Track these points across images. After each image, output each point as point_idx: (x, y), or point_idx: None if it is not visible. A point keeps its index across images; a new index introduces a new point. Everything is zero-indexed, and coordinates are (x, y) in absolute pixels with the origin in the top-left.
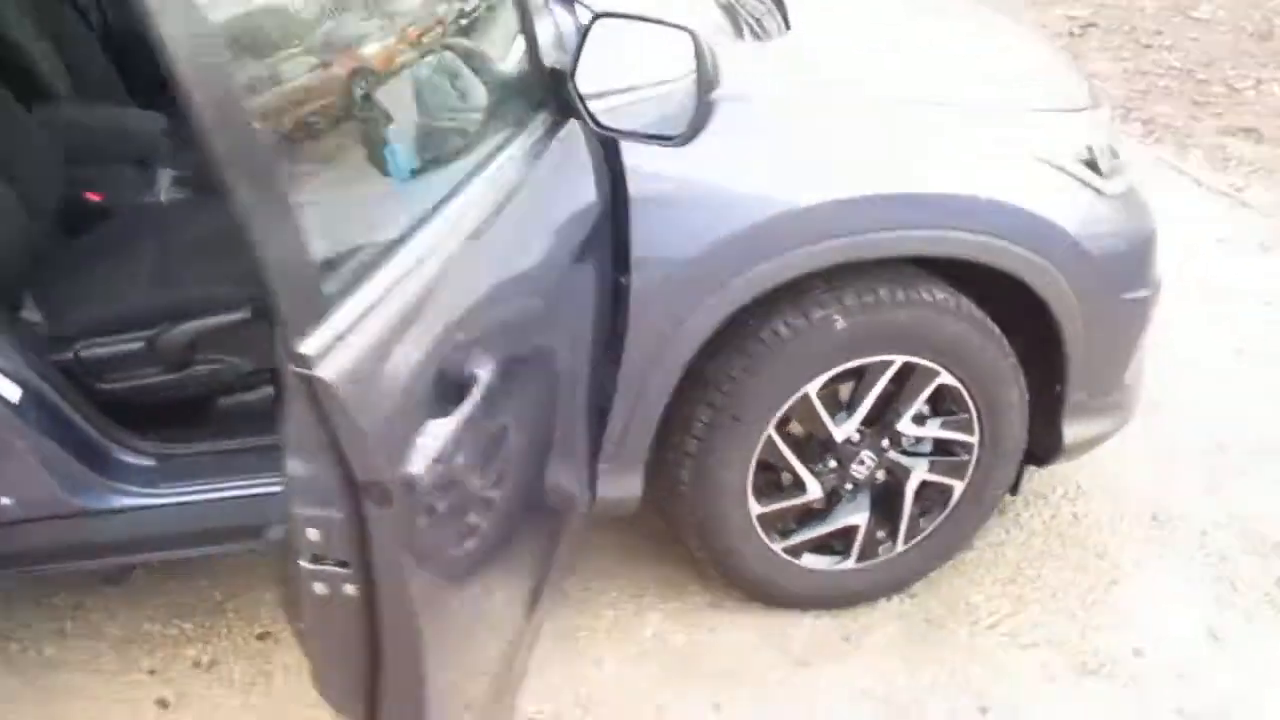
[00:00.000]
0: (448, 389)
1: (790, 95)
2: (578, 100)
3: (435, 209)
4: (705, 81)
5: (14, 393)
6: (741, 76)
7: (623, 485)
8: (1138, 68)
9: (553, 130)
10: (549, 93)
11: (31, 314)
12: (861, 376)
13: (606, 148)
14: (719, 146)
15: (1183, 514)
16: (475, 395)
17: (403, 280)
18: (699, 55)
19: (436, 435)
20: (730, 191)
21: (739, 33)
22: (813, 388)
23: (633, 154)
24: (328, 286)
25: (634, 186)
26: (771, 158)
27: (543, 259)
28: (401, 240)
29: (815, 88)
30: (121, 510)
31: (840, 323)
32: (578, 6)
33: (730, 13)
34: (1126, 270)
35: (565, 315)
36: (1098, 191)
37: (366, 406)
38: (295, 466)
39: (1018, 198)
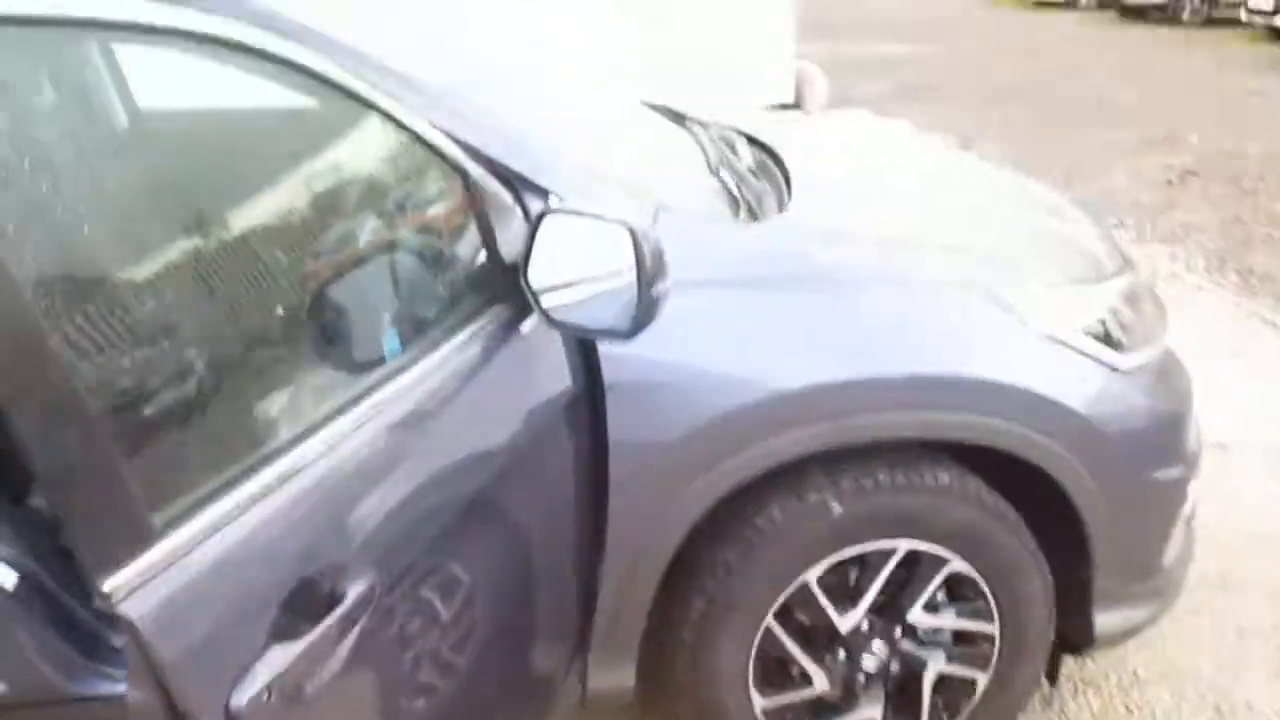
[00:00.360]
0: (312, 607)
1: (779, 277)
2: (529, 294)
3: (332, 414)
4: (645, 276)
5: (10, 579)
6: (727, 260)
7: (614, 676)
8: (1237, 215)
9: (515, 320)
10: (510, 285)
11: (38, 499)
12: (865, 563)
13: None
14: (701, 330)
15: (1248, 703)
16: (340, 612)
17: (264, 498)
18: (637, 250)
19: (274, 662)
20: (713, 375)
21: (735, 211)
22: (812, 575)
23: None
24: (158, 513)
25: (610, 371)
26: (757, 340)
27: (492, 449)
28: (267, 458)
29: (806, 269)
30: (116, 697)
31: (836, 508)
32: (551, 197)
33: (728, 190)
34: (1152, 448)
35: (533, 505)
36: (1111, 367)
37: (184, 639)
38: (133, 693)
39: (1017, 376)
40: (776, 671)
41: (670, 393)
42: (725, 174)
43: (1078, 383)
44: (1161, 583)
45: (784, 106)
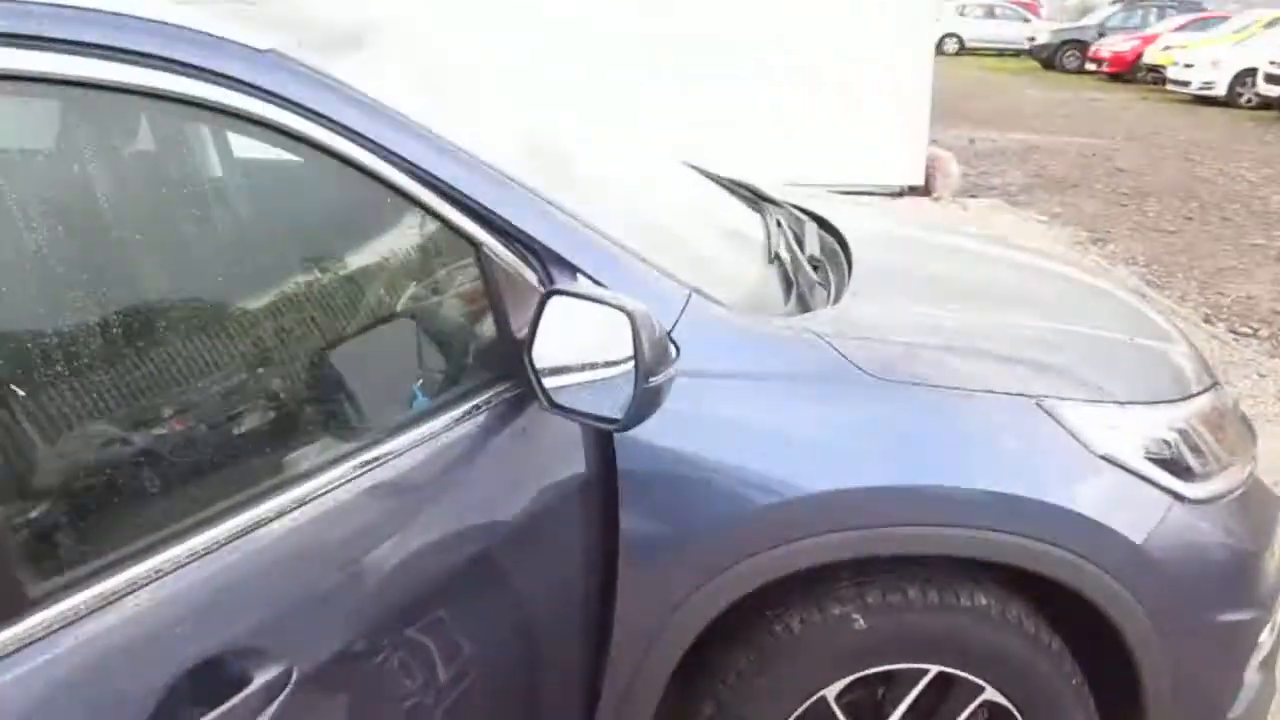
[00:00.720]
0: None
1: (811, 374)
2: (532, 374)
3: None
4: (643, 366)
5: None
6: (759, 352)
7: None
8: None
9: (525, 400)
10: (517, 363)
11: None
12: (891, 683)
13: None
14: (727, 423)
15: None
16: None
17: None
18: (635, 338)
19: None
20: (736, 470)
21: (785, 300)
22: (830, 692)
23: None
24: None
25: (625, 459)
26: (784, 438)
27: (486, 526)
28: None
29: (840, 367)
30: None
31: (860, 623)
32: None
33: (785, 279)
34: (1218, 587)
35: (533, 588)
36: (1176, 495)
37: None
38: None
39: (1065, 498)
40: None
41: (689, 486)
42: (785, 259)
43: (1135, 510)
44: None
45: (913, 190)
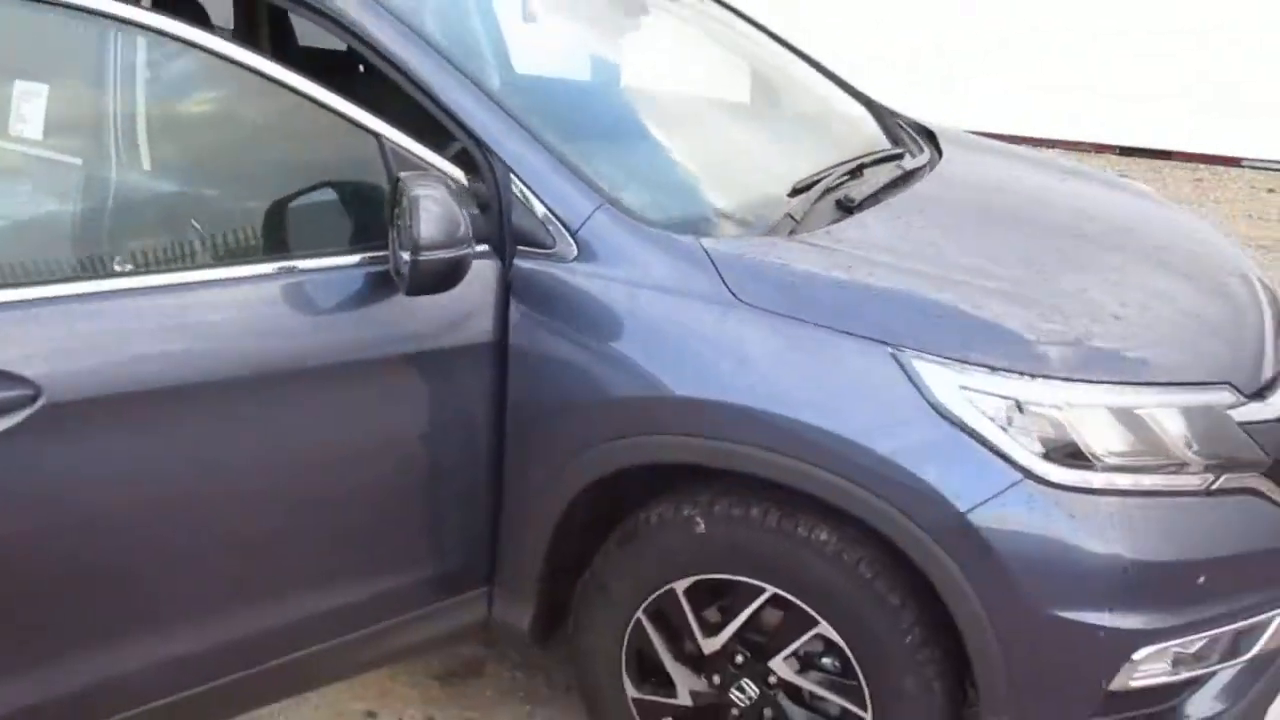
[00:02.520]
0: None
1: (688, 287)
2: (392, 250)
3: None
4: (411, 240)
5: None
6: (653, 263)
7: (513, 614)
8: None
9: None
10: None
11: None
12: (736, 594)
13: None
14: (607, 318)
15: None
16: None
17: None
18: (413, 215)
19: None
20: (604, 363)
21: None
22: (679, 586)
23: (520, 304)
24: None
25: (515, 335)
26: (650, 341)
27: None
28: None
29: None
30: None
31: (701, 527)
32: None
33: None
34: (1072, 583)
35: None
36: (1028, 473)
37: None
38: None
39: (889, 448)
40: (651, 669)
41: (564, 369)
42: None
43: (968, 476)
44: None
45: None
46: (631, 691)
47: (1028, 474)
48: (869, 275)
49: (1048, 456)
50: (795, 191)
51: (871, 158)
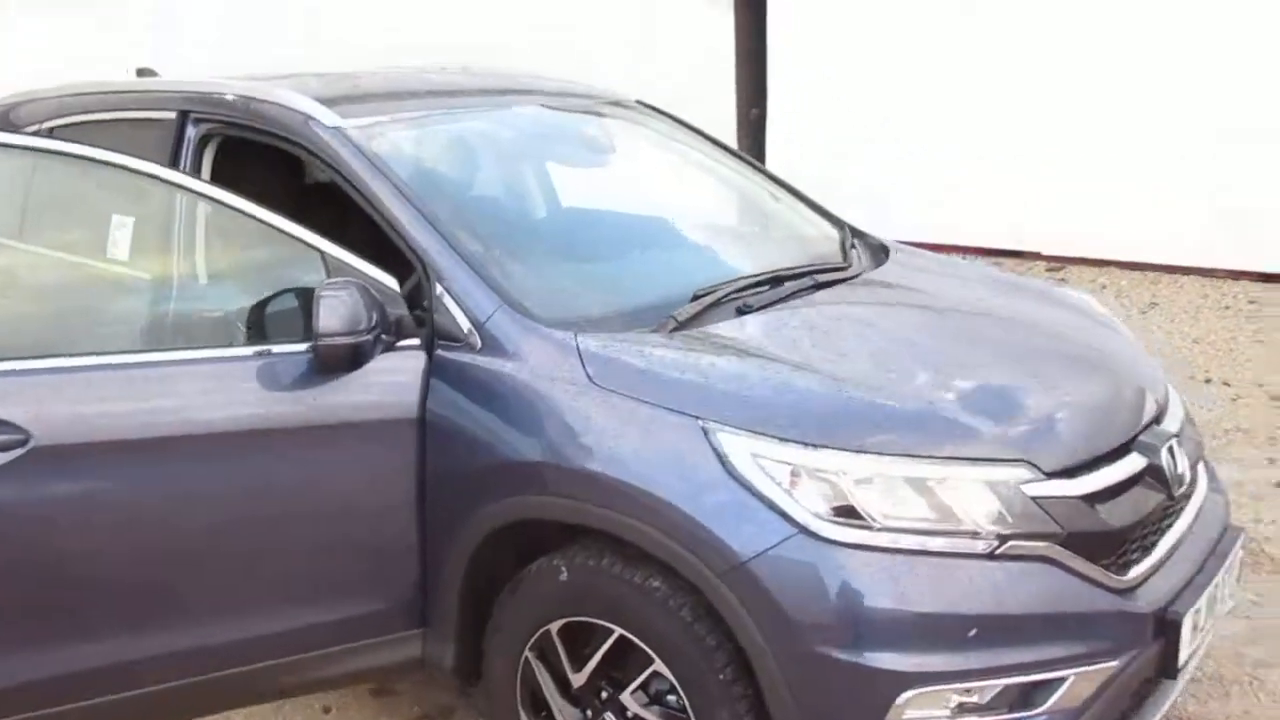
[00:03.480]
0: None
1: (560, 373)
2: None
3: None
4: (314, 330)
5: None
6: (536, 354)
7: (440, 652)
8: None
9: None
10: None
11: None
12: (594, 634)
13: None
14: (495, 397)
15: None
16: None
17: None
18: (315, 311)
19: None
20: (491, 435)
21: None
22: (553, 627)
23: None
24: None
25: (430, 407)
26: (526, 417)
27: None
28: None
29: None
30: None
31: (564, 574)
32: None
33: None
34: (843, 626)
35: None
36: (804, 529)
37: None
38: None
39: (692, 506)
40: (541, 705)
41: (452, 438)
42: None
43: (751, 530)
44: None
45: None
46: None
47: (803, 530)
48: (710, 364)
49: (824, 516)
50: (696, 297)
51: (797, 270)
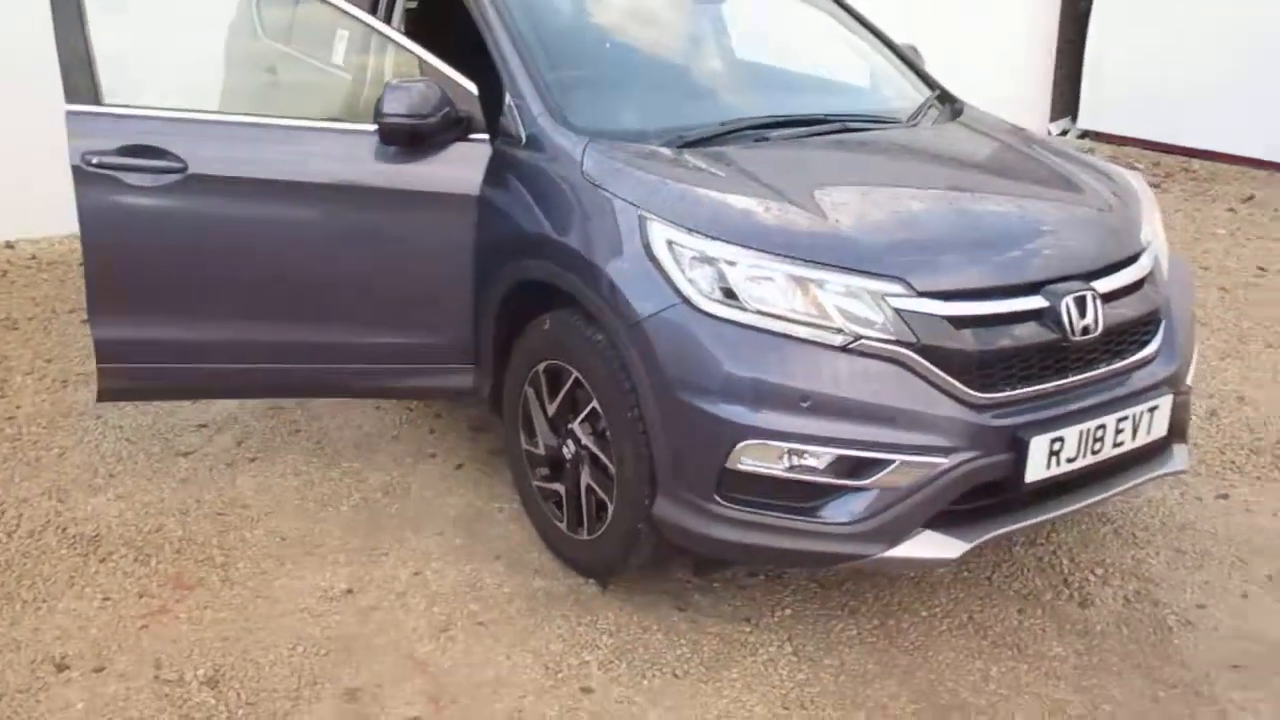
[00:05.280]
0: None
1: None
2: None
3: None
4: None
5: None
6: (558, 152)
7: (483, 385)
8: None
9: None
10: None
11: None
12: (561, 375)
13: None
14: (527, 183)
15: None
16: None
17: None
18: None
19: None
20: (513, 213)
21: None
22: (540, 367)
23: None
24: None
25: (481, 189)
26: (536, 201)
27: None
28: None
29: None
30: None
31: (547, 325)
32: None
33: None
34: (696, 379)
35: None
36: (686, 300)
37: None
38: None
39: (615, 270)
40: (531, 429)
41: (499, 215)
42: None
43: (651, 295)
44: (718, 512)
45: None
46: (524, 443)
47: (686, 301)
48: (676, 173)
49: (706, 294)
50: (723, 125)
51: (834, 115)
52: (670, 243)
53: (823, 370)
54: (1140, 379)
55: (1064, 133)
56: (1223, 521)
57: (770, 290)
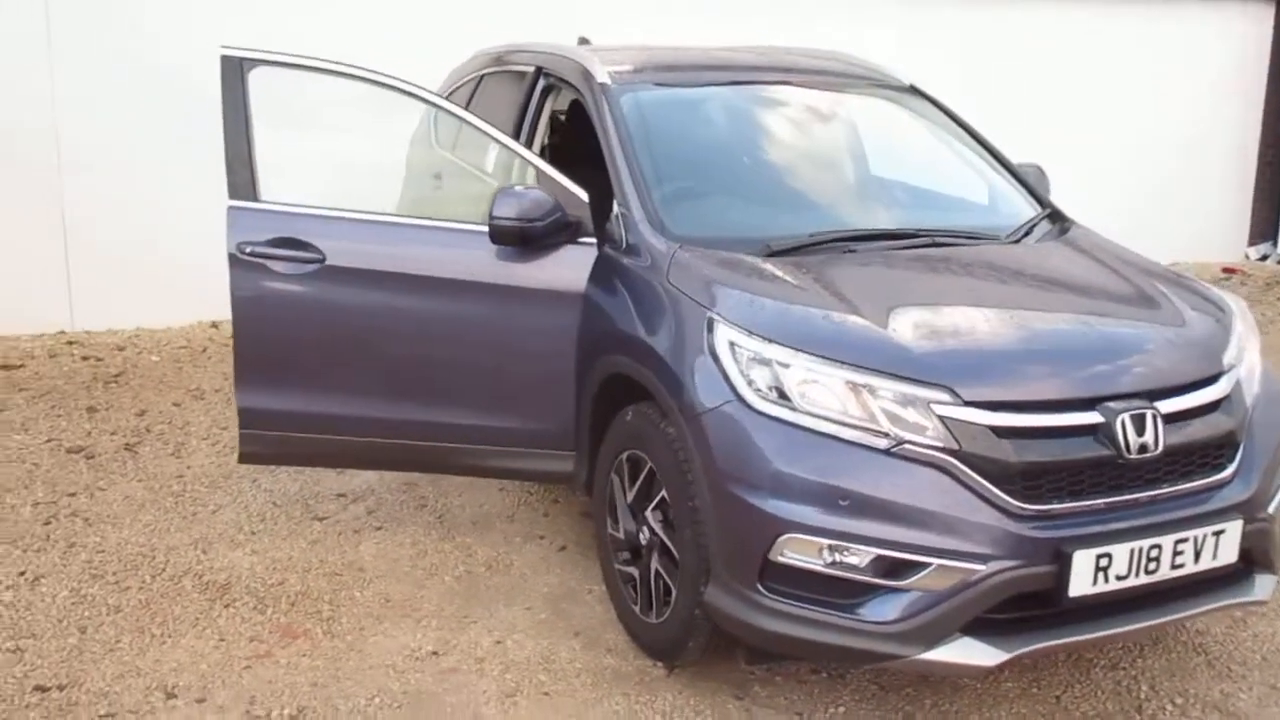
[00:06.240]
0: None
1: (651, 275)
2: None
3: None
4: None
5: None
6: (646, 257)
7: (580, 471)
8: None
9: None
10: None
11: None
12: (640, 464)
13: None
14: (620, 285)
15: None
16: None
17: None
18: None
19: None
20: (609, 309)
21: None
22: (624, 456)
23: (595, 273)
24: None
25: (587, 288)
26: (626, 300)
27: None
28: None
29: (661, 273)
30: None
31: (630, 417)
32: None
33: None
34: (744, 471)
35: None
36: (740, 398)
37: None
38: None
39: (682, 367)
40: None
41: (599, 313)
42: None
43: (711, 391)
44: (761, 602)
45: None
46: (609, 528)
47: (739, 399)
48: (748, 280)
49: (761, 393)
50: (811, 236)
51: (924, 230)
52: (732, 344)
53: (864, 472)
54: (1207, 502)
55: (1264, 257)
56: None
57: (820, 392)
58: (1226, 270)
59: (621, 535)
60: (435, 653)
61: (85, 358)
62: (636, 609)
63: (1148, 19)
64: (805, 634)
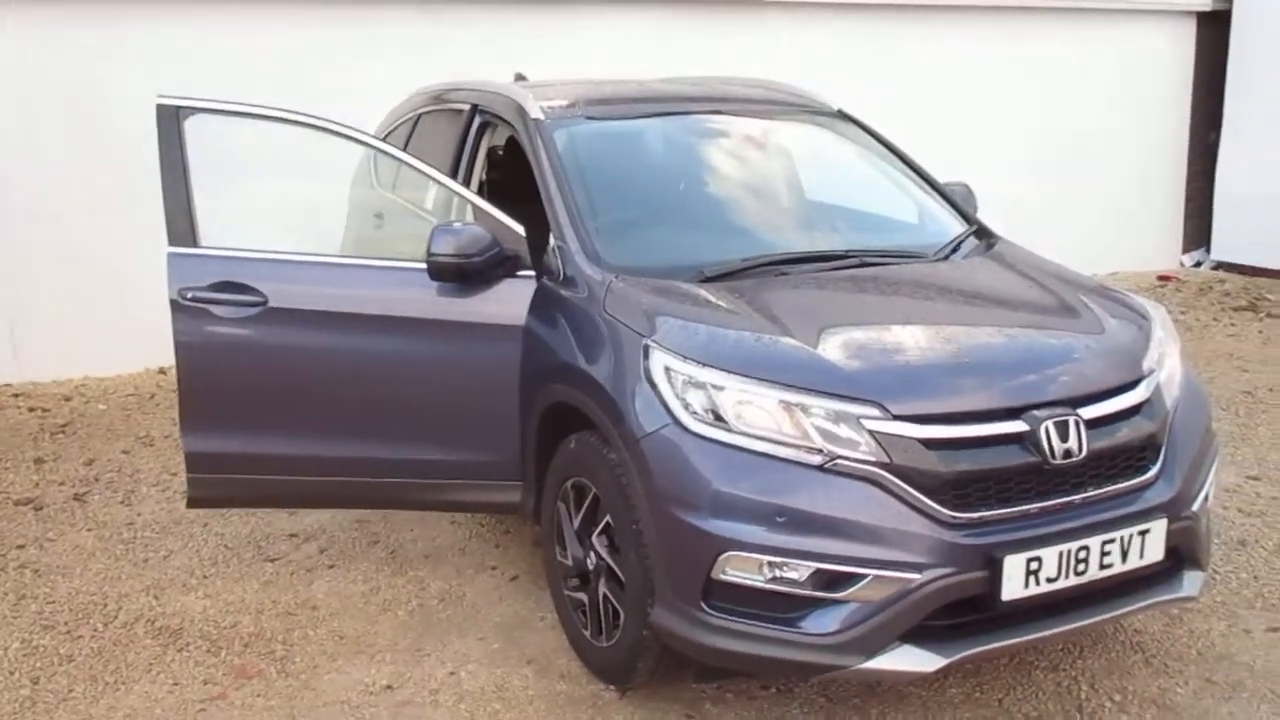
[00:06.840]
0: None
1: (589, 302)
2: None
3: None
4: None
5: None
6: (584, 285)
7: (528, 500)
8: None
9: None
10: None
11: None
12: (585, 490)
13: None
14: (557, 314)
15: None
16: None
17: None
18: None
19: None
20: (548, 340)
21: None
22: (569, 483)
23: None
24: None
25: (527, 321)
26: (564, 329)
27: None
28: None
29: (597, 302)
30: None
31: (572, 445)
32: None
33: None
34: (686, 492)
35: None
36: (676, 421)
37: None
38: None
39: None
40: (562, 541)
41: (540, 344)
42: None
43: (650, 415)
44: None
45: None
46: (557, 555)
47: (676, 422)
48: (681, 306)
49: (697, 415)
50: (744, 261)
51: (852, 251)
52: (667, 369)
53: (800, 488)
54: (1132, 503)
55: (1197, 264)
56: (1265, 655)
57: (754, 413)
58: (1162, 278)
59: (570, 562)
60: (389, 687)
61: (32, 409)
62: (587, 634)
63: (1079, 34)
64: (750, 649)
